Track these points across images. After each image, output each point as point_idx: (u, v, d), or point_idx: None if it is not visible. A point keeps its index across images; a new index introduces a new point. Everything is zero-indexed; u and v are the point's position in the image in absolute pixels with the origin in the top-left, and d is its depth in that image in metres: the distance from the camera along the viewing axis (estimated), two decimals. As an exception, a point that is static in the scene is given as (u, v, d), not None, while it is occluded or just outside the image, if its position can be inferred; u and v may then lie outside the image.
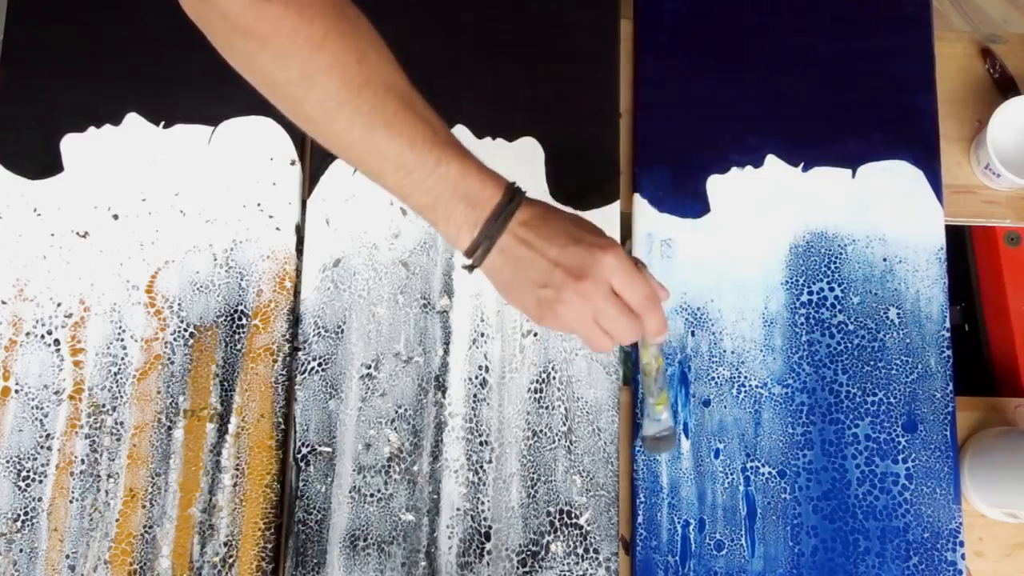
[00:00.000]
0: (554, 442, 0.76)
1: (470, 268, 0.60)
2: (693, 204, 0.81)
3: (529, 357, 0.77)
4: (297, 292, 0.78)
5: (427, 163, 0.56)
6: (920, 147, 0.82)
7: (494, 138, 0.82)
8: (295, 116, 0.57)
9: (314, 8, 0.53)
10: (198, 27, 0.56)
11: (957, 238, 0.92)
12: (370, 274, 0.79)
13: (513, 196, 0.58)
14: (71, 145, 0.80)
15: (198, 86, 0.82)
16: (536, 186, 0.81)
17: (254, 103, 0.81)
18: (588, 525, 0.74)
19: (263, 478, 0.74)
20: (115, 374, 0.76)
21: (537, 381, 0.77)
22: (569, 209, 0.78)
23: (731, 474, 0.76)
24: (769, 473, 0.76)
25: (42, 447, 0.74)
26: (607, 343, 0.59)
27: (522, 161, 0.81)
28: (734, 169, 0.82)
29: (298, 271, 0.79)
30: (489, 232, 0.58)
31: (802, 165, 0.82)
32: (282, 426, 0.76)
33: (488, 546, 0.74)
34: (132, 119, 0.81)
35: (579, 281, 0.57)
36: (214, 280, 0.78)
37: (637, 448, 0.76)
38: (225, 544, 0.73)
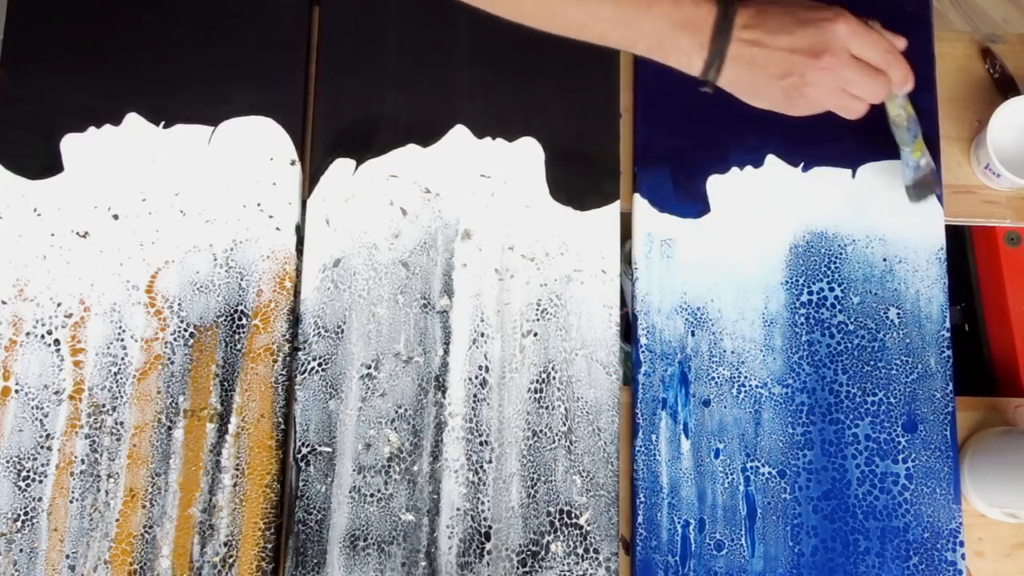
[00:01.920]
0: (554, 442, 0.76)
1: (710, 86, 0.62)
2: (693, 204, 0.81)
3: (529, 357, 0.77)
4: (297, 292, 0.78)
5: (640, 9, 0.59)
6: (920, 147, 0.82)
7: (494, 138, 0.82)
8: (514, 15, 0.61)
9: None
10: (479, 12, 0.59)
11: (957, 238, 0.92)
12: (370, 274, 0.79)
13: (728, 5, 0.60)
14: (71, 145, 0.80)
15: (198, 86, 0.82)
16: (536, 186, 0.81)
17: (254, 103, 0.82)
18: (588, 525, 0.74)
19: (263, 478, 0.74)
20: (115, 374, 0.76)
21: (537, 381, 0.77)
22: (570, 209, 0.78)
23: (731, 474, 0.76)
24: (769, 473, 0.76)
25: (42, 447, 0.74)
26: (861, 107, 0.63)
27: (522, 161, 0.81)
28: (734, 169, 0.82)
29: (298, 271, 0.79)
30: (717, 47, 0.60)
31: (802, 165, 0.82)
32: (282, 426, 0.76)
33: (488, 546, 0.74)
34: (132, 119, 0.81)
35: (819, 58, 0.60)
36: (214, 280, 0.78)
37: (637, 448, 0.76)
38: (225, 544, 0.73)
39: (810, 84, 0.61)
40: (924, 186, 0.77)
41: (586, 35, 0.61)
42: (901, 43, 0.63)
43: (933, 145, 0.83)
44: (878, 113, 0.83)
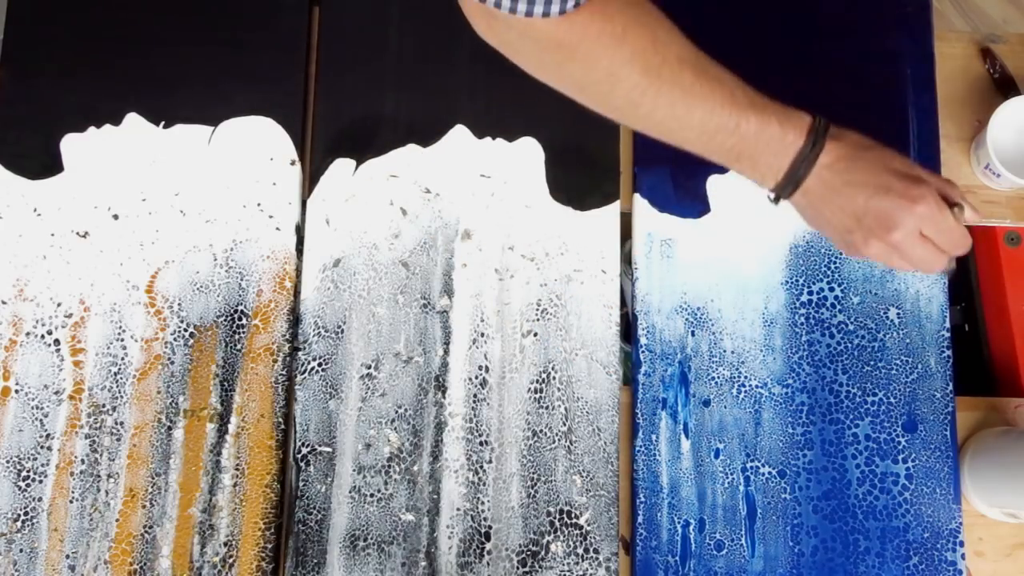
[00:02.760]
0: (554, 442, 0.76)
1: (776, 201, 0.62)
2: (693, 204, 0.81)
3: (529, 357, 0.77)
4: (297, 292, 0.78)
5: (728, 126, 0.58)
6: (920, 147, 0.82)
7: (494, 138, 0.82)
8: (603, 108, 0.61)
9: (613, 5, 0.55)
10: (500, 52, 0.59)
11: (957, 238, 0.92)
12: (370, 274, 0.79)
13: (816, 139, 0.59)
14: (71, 145, 0.80)
15: (198, 86, 0.82)
16: (536, 186, 0.81)
17: (254, 103, 0.82)
18: (588, 525, 0.74)
19: (263, 478, 0.74)
20: (115, 374, 0.76)
21: (537, 381, 0.77)
22: (570, 209, 0.78)
23: (731, 474, 0.76)
24: (769, 473, 0.76)
25: (42, 447, 0.74)
26: (910, 269, 0.62)
27: (522, 161, 0.81)
28: (734, 169, 0.82)
29: (298, 271, 0.79)
30: (793, 178, 0.60)
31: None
32: (282, 426, 0.76)
33: (488, 546, 0.74)
34: (132, 119, 0.81)
35: (887, 233, 0.59)
36: (214, 280, 0.78)
37: (637, 448, 0.76)
38: (225, 544, 0.73)
39: (869, 248, 0.61)
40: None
41: (668, 138, 0.61)
42: (977, 218, 0.62)
43: (933, 145, 0.83)
44: (878, 113, 0.83)
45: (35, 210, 0.79)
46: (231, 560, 0.73)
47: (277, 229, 0.79)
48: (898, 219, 0.59)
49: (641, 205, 0.81)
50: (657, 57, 0.56)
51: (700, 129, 0.59)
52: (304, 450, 0.75)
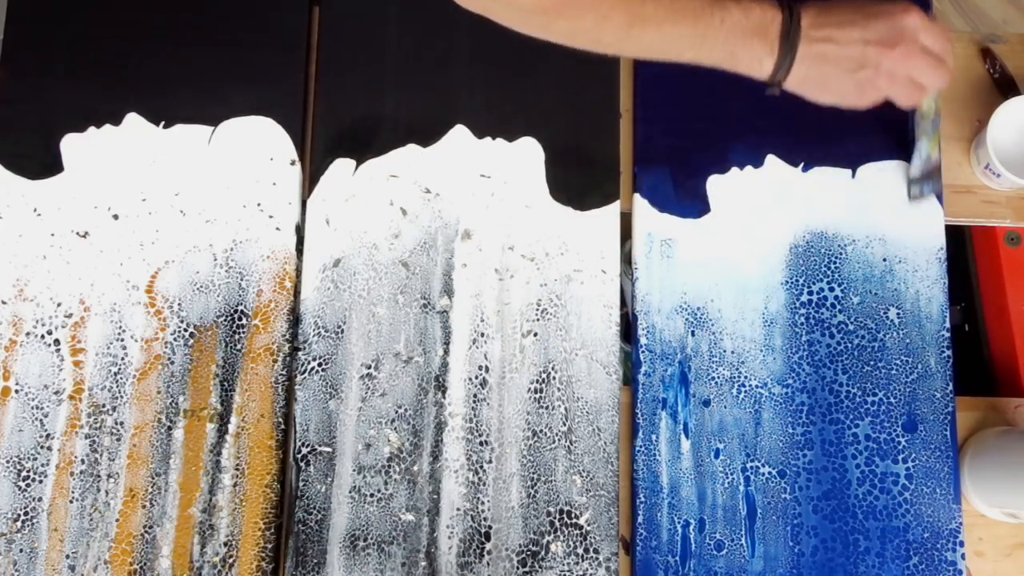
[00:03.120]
0: (554, 442, 0.76)
1: (777, 88, 0.64)
2: (693, 204, 0.81)
3: (529, 357, 0.77)
4: (297, 292, 0.78)
5: (713, 25, 0.61)
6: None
7: (494, 138, 0.82)
8: (593, 48, 0.63)
9: None
10: (479, 15, 0.61)
11: (957, 238, 0.92)
12: (370, 274, 0.79)
13: (792, 6, 0.62)
14: (71, 145, 0.80)
15: (198, 86, 0.82)
16: (536, 186, 0.81)
17: (254, 103, 0.82)
18: (588, 525, 0.74)
19: (263, 478, 0.74)
20: (115, 374, 0.76)
21: (537, 381, 0.77)
22: (570, 209, 0.78)
23: (731, 474, 0.76)
24: (769, 473, 0.76)
25: (42, 447, 0.74)
26: (920, 95, 0.65)
27: (522, 161, 0.81)
28: (734, 169, 0.82)
29: (298, 271, 0.79)
30: (787, 49, 0.62)
31: (802, 165, 0.82)
32: (282, 426, 0.76)
33: (488, 546, 0.74)
34: (132, 119, 0.81)
35: (894, 48, 0.62)
36: (214, 280, 0.78)
37: (637, 448, 0.76)
38: (225, 544, 0.73)
39: (883, 75, 0.63)
40: (929, 177, 0.79)
41: (663, 56, 0.63)
42: (951, 37, 0.66)
43: (933, 145, 0.83)
44: (878, 113, 0.83)
45: (35, 210, 0.79)
46: (231, 560, 0.73)
47: (277, 229, 0.79)
48: (898, 31, 0.62)
49: (641, 205, 0.81)
50: None
51: (692, 38, 0.62)
52: (304, 450, 0.75)
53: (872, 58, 0.62)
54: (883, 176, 0.82)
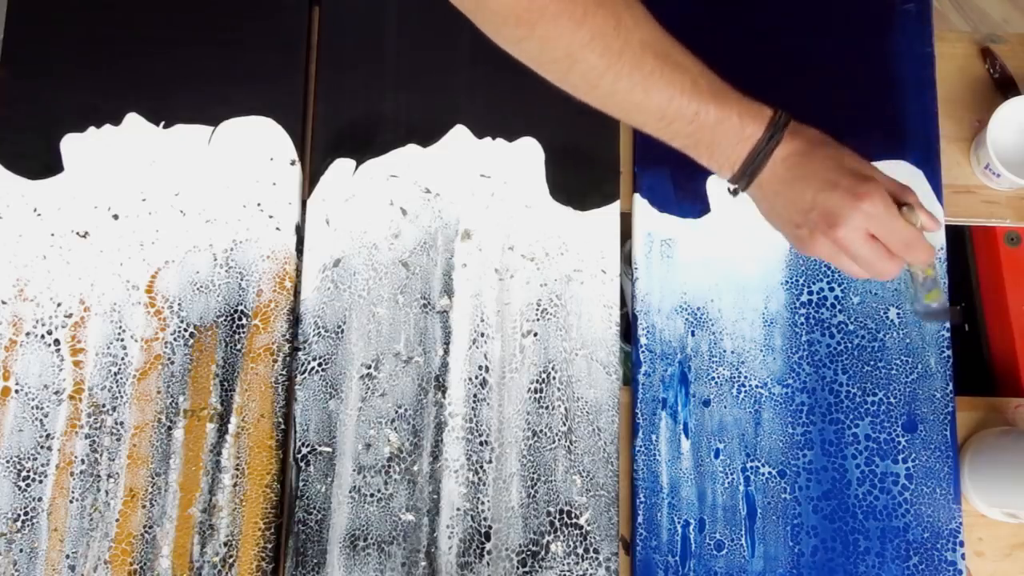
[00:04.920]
0: (554, 442, 0.76)
1: (734, 192, 0.63)
2: (693, 204, 0.81)
3: (529, 357, 0.77)
4: (297, 292, 0.78)
5: (685, 114, 0.58)
6: (920, 147, 0.82)
7: (494, 138, 0.82)
8: (560, 84, 0.60)
9: None
10: (464, 15, 0.59)
11: (957, 238, 0.92)
12: (370, 274, 0.79)
13: (774, 133, 0.60)
14: (71, 145, 0.80)
15: (198, 86, 0.82)
16: (536, 186, 0.81)
17: (254, 103, 0.82)
18: (588, 525, 0.74)
19: (263, 478, 0.74)
20: (115, 374, 0.76)
21: (537, 381, 0.77)
22: (570, 209, 0.78)
23: (731, 474, 0.76)
24: (769, 473, 0.76)
25: (42, 447, 0.74)
26: (866, 276, 0.61)
27: (522, 161, 0.81)
28: (734, 169, 0.82)
29: (298, 271, 0.79)
30: (748, 169, 0.60)
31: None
32: (282, 426, 0.76)
33: (488, 546, 0.74)
34: (132, 119, 0.81)
35: (832, 229, 0.58)
36: (214, 280, 0.78)
37: (637, 448, 0.76)
38: (225, 544, 0.73)
39: (816, 245, 0.60)
40: (936, 316, 0.72)
41: (625, 119, 0.62)
42: (933, 226, 0.61)
43: (933, 145, 0.83)
44: (878, 113, 0.83)
45: (35, 210, 0.79)
46: (231, 560, 0.73)
47: (277, 229, 0.79)
48: (843, 215, 0.58)
49: (641, 205, 0.81)
50: (618, 41, 0.56)
51: (658, 115, 0.59)
52: (304, 450, 0.75)
53: (809, 224, 0.60)
54: (883, 176, 0.82)
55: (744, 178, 0.61)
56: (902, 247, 0.60)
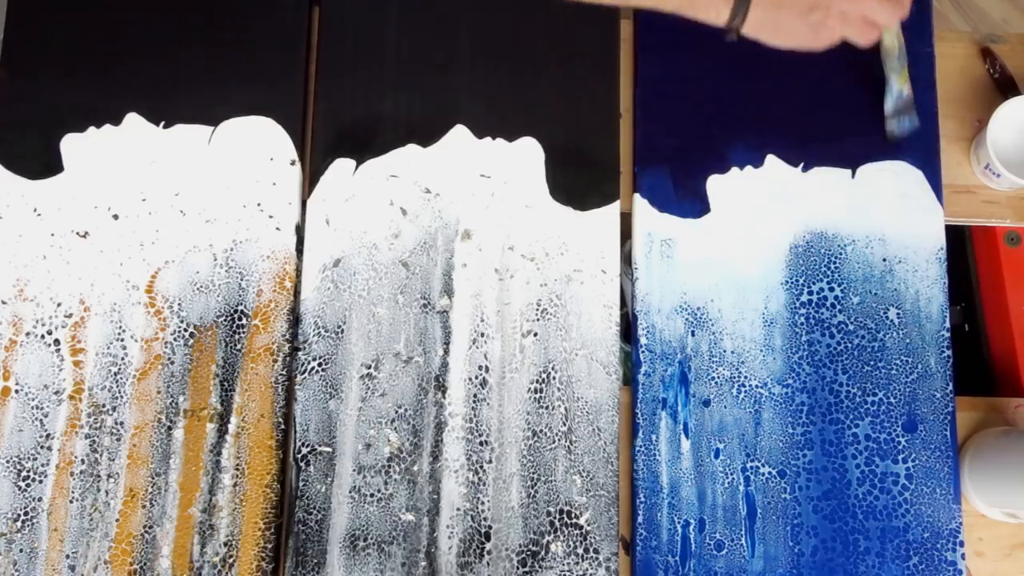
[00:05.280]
0: (554, 442, 0.76)
1: (736, 34, 0.65)
2: (693, 204, 0.81)
3: (529, 357, 0.77)
4: (297, 292, 0.78)
5: None
6: (920, 147, 0.82)
7: (494, 138, 0.82)
8: None
9: None
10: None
11: (957, 238, 0.92)
12: (370, 274, 0.79)
13: None
14: (71, 145, 0.80)
15: (198, 86, 0.82)
16: (536, 186, 0.81)
17: (254, 103, 0.82)
18: (588, 525, 0.74)
19: (263, 478, 0.74)
20: (115, 374, 0.76)
21: (537, 381, 0.77)
22: (570, 209, 0.78)
23: (731, 474, 0.76)
24: (769, 473, 0.76)
25: (42, 447, 0.74)
26: (876, 33, 0.67)
27: (522, 161, 0.81)
28: (734, 169, 0.82)
29: (298, 271, 0.79)
30: None
31: (802, 165, 0.82)
32: (282, 426, 0.76)
33: (488, 546, 0.74)
34: (132, 119, 0.81)
35: None
36: (214, 280, 0.78)
37: (637, 448, 0.76)
38: (225, 544, 0.73)
39: (834, 16, 0.64)
40: (904, 112, 0.81)
41: (621, 0, 0.64)
42: None
43: (933, 145, 0.83)
44: (878, 113, 0.83)
45: (35, 210, 0.79)
46: (231, 560, 0.73)
47: (277, 229, 0.79)
48: None
49: (641, 205, 0.81)
50: None
51: None
52: (304, 450, 0.75)
53: (822, 1, 0.64)
54: (883, 176, 0.82)
55: (742, 5, 0.63)
56: None
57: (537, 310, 0.78)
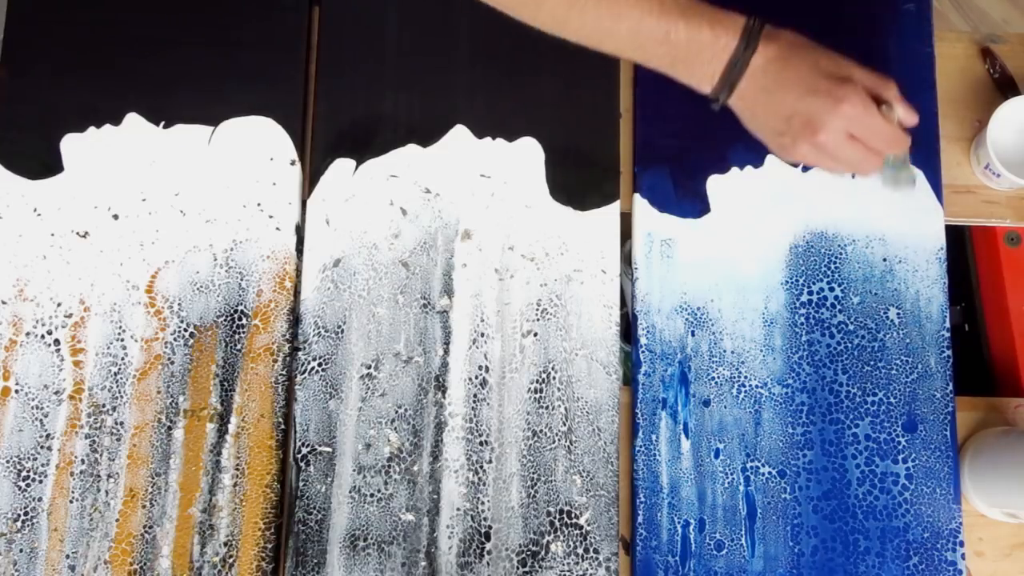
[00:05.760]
0: (554, 442, 0.76)
1: (717, 107, 0.63)
2: (693, 204, 0.81)
3: (529, 357, 0.77)
4: (297, 292, 0.78)
5: (656, 35, 0.59)
6: (920, 147, 0.82)
7: (494, 138, 0.82)
8: (532, 22, 0.62)
9: None
10: (479, 14, 0.63)
11: (957, 238, 0.92)
12: (370, 274, 0.79)
13: (750, 41, 0.60)
14: (71, 145, 0.80)
15: (198, 86, 0.82)
16: (536, 186, 0.81)
17: (254, 103, 0.82)
18: (588, 525, 0.74)
19: (263, 478, 0.74)
20: (115, 374, 0.76)
21: (537, 381, 0.77)
22: (570, 209, 0.78)
23: (731, 474, 0.76)
24: (769, 473, 0.76)
25: (42, 447, 0.74)
26: (848, 172, 0.64)
27: (522, 161, 0.81)
28: (734, 169, 0.82)
29: (298, 271, 0.79)
30: (728, 80, 0.61)
31: (802, 165, 0.82)
32: (282, 426, 0.76)
33: (488, 546, 0.74)
34: (132, 119, 0.81)
35: (814, 135, 0.60)
36: (214, 280, 0.78)
37: (637, 448, 0.76)
38: (225, 544, 0.73)
39: (799, 151, 0.62)
40: (900, 178, 0.73)
41: (600, 48, 0.62)
42: (912, 119, 0.63)
43: (933, 145, 0.83)
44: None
45: (35, 210, 0.79)
46: (231, 560, 0.73)
47: (277, 229, 0.79)
48: (823, 121, 0.59)
49: (641, 205, 0.81)
50: None
51: (630, 40, 0.60)
52: (304, 450, 0.75)
53: (792, 130, 0.61)
54: (883, 176, 0.82)
55: (725, 90, 0.61)
56: (882, 144, 0.61)
57: (537, 310, 0.78)
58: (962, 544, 0.74)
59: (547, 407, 0.76)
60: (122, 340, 0.76)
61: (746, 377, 0.77)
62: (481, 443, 0.75)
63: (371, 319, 0.78)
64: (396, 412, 0.76)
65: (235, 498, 0.74)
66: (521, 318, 0.78)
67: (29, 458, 0.74)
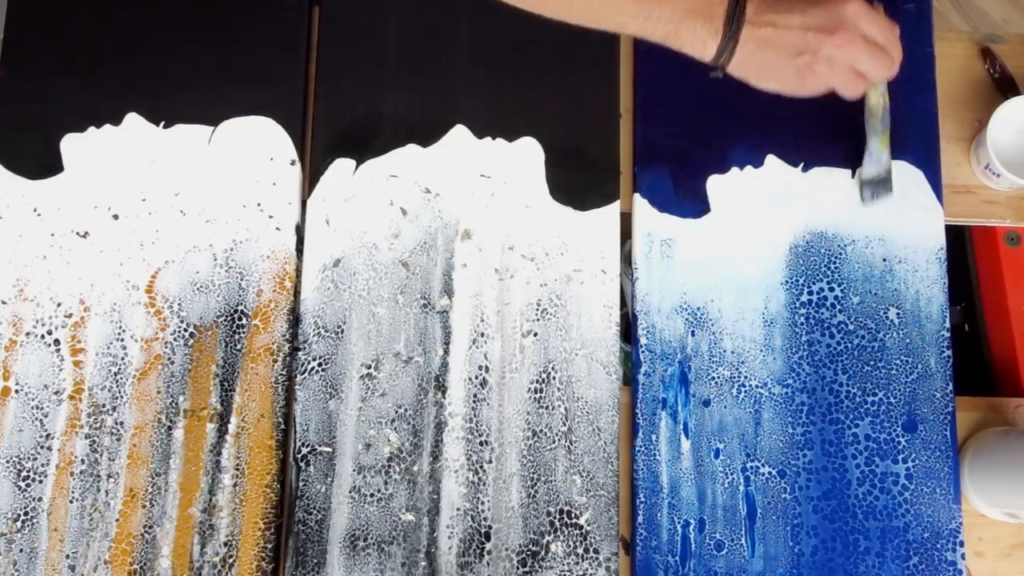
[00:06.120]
0: (554, 442, 0.76)
1: (720, 71, 0.65)
2: (693, 204, 0.81)
3: (529, 357, 0.77)
4: (297, 292, 0.78)
5: (659, 2, 0.62)
6: (920, 147, 0.82)
7: (494, 138, 0.82)
8: (537, 8, 0.64)
9: None
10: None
11: (957, 238, 0.92)
12: (370, 274, 0.79)
13: None
14: (71, 145, 0.80)
15: (198, 86, 0.82)
16: (536, 186, 0.81)
17: (254, 103, 0.82)
18: (588, 525, 0.74)
19: (263, 478, 0.74)
20: (115, 374, 0.76)
21: (537, 381, 0.77)
22: (570, 209, 0.78)
23: (731, 474, 0.76)
24: (769, 473, 0.76)
25: (42, 447, 0.74)
26: (863, 87, 0.66)
27: (522, 161, 0.81)
28: (734, 169, 0.82)
29: (298, 271, 0.79)
30: (730, 32, 0.63)
31: (802, 165, 0.82)
32: (282, 426, 0.76)
33: (488, 546, 0.74)
34: (132, 119, 0.81)
35: (833, 35, 0.63)
36: (214, 280, 0.78)
37: (637, 448, 0.76)
38: (225, 544, 0.73)
39: (822, 61, 0.64)
40: (880, 184, 0.79)
41: (606, 25, 0.64)
42: (897, 28, 0.68)
43: (933, 145, 0.83)
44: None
45: (35, 210, 0.79)
46: (231, 560, 0.73)
47: (277, 229, 0.79)
48: (836, 18, 0.63)
49: (641, 205, 0.81)
50: None
51: (634, 13, 0.62)
52: (304, 450, 0.75)
53: (811, 44, 0.63)
54: (883, 176, 0.82)
55: (729, 42, 0.63)
56: (888, 39, 0.65)
57: (537, 310, 0.78)
58: (962, 544, 0.74)
59: (547, 407, 0.76)
60: (122, 340, 0.76)
61: (746, 377, 0.77)
62: (481, 443, 0.75)
63: (371, 319, 0.78)
64: (396, 412, 0.76)
65: (235, 498, 0.74)
66: (521, 318, 0.78)
67: (29, 458, 0.74)
